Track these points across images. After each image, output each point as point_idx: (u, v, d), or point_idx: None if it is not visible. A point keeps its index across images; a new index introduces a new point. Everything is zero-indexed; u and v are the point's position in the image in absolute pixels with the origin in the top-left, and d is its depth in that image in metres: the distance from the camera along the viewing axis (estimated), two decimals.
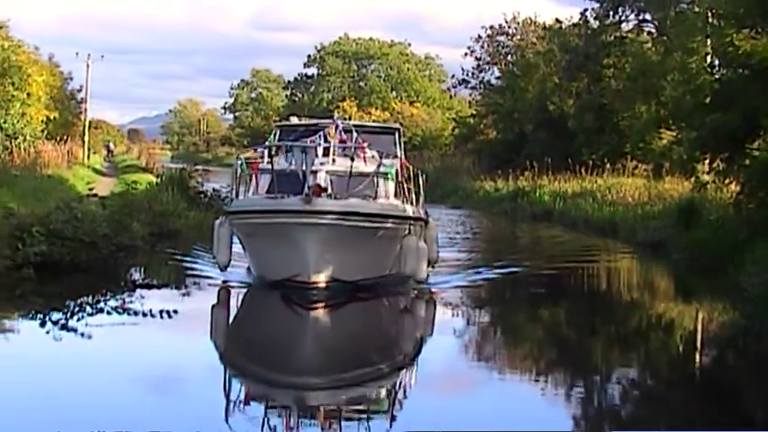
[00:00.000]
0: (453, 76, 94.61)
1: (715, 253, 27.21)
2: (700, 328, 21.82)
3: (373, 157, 23.36)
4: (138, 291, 21.53)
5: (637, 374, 16.77)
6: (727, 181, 30.68)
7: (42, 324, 17.81)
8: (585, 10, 59.65)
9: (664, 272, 31.47)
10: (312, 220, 20.32)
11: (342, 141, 23.70)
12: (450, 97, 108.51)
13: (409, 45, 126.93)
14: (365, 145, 23.64)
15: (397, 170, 23.53)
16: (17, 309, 20.33)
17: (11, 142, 44.34)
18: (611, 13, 58.61)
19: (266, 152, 23.03)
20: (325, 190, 21.16)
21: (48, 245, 22.68)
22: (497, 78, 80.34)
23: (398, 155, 25.08)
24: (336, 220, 20.57)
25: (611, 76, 58.24)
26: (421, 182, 25.38)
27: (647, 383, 16.20)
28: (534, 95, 66.05)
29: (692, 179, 33.83)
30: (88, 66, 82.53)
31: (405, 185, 23.95)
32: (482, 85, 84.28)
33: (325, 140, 23.30)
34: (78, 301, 19.96)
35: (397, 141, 25.82)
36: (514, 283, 26.83)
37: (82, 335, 16.94)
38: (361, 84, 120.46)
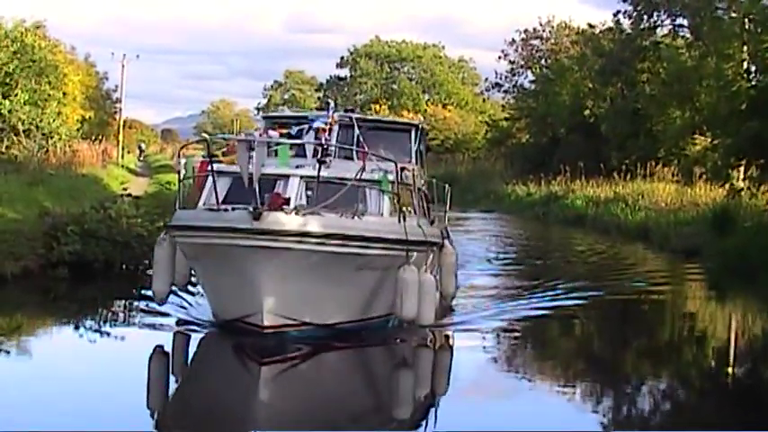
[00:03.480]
0: (487, 79, 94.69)
1: (748, 260, 26.89)
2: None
3: (371, 159, 18.06)
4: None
5: None
6: (762, 188, 30.41)
7: (76, 328, 17.84)
8: (618, 12, 59.41)
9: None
10: (262, 243, 15.37)
11: (323, 134, 18.71)
12: (484, 101, 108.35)
13: (443, 48, 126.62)
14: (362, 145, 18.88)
15: (393, 178, 17.57)
16: (51, 314, 20.37)
17: (47, 141, 44.49)
18: (646, 17, 58.33)
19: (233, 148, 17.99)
20: (287, 202, 16.23)
21: (82, 244, 22.87)
22: (531, 82, 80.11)
23: (412, 158, 20.20)
24: (297, 244, 15.61)
25: (646, 81, 57.91)
26: (437, 192, 21.67)
27: None
28: (567, 100, 65.83)
29: (727, 185, 33.57)
30: (123, 66, 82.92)
31: (411, 198, 18.81)
32: (515, 89, 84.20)
33: (316, 137, 18.64)
34: (111, 307, 20.03)
35: (413, 141, 20.67)
36: (564, 325, 21.44)
37: (114, 338, 17.11)
38: (394, 86, 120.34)
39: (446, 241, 20.44)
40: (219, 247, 15.86)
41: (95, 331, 18.15)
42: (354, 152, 18.48)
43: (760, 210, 31.19)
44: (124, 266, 23.07)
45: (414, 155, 20.43)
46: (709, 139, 39.65)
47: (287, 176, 16.99)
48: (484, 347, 18.05)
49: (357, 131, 19.58)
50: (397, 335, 17.68)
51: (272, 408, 13.65)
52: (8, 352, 16.38)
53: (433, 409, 14.12)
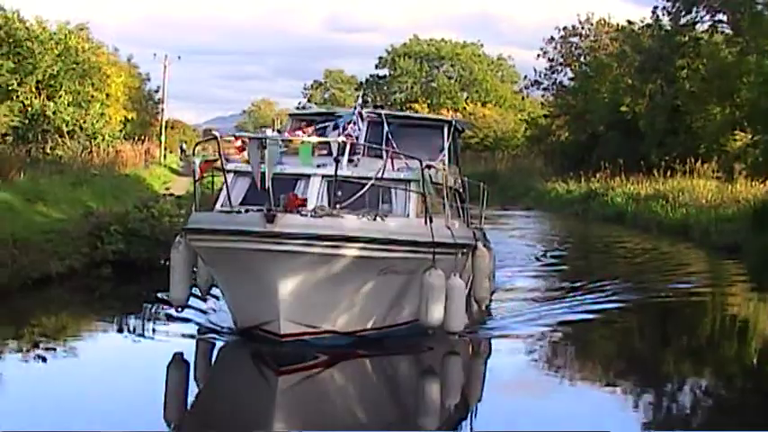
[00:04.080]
0: (526, 77, 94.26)
1: None
2: None
3: (400, 158, 17.03)
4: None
5: None
6: None
7: (120, 330, 17.84)
8: (656, 8, 59.00)
9: None
10: (276, 247, 14.34)
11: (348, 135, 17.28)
12: (523, 98, 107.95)
13: (482, 46, 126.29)
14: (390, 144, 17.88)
15: (425, 177, 16.51)
16: (96, 312, 20.50)
17: (90, 142, 44.97)
18: (685, 13, 57.85)
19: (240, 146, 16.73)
20: (304, 203, 15.32)
21: (125, 243, 23.09)
22: (570, 79, 79.75)
23: (444, 155, 18.98)
24: (313, 248, 14.55)
25: (685, 78, 57.36)
26: (471, 191, 20.57)
27: None
28: (607, 96, 65.38)
29: (767, 182, 33.33)
30: (165, 67, 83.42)
31: (441, 197, 17.59)
32: (554, 86, 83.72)
33: (344, 133, 17.33)
34: (154, 307, 19.85)
35: (446, 138, 19.52)
36: (605, 329, 20.21)
37: (156, 342, 16.96)
38: (433, 84, 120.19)
39: (479, 243, 19.23)
40: (233, 251, 14.89)
41: (136, 334, 17.98)
42: (384, 150, 17.17)
43: None
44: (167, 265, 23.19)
45: (446, 152, 19.27)
46: (750, 135, 39.36)
47: (308, 176, 16.22)
48: (518, 355, 16.80)
49: (387, 128, 18.59)
50: (425, 342, 16.35)
51: (289, 419, 12.64)
52: (54, 349, 16.47)
53: (461, 419, 13.25)
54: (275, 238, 14.25)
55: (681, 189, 46.05)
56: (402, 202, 16.61)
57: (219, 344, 16.49)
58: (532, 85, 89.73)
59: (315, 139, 16.96)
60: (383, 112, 19.48)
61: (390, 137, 18.36)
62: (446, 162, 18.82)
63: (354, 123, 17.71)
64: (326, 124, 18.18)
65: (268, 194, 14.48)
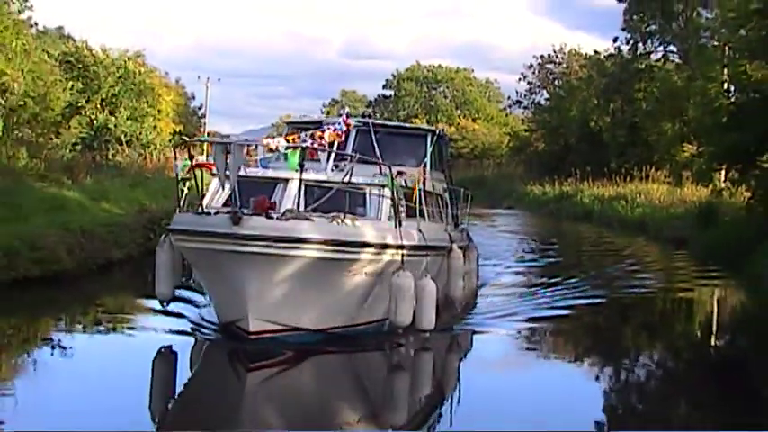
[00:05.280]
0: (509, 97, 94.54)
1: (729, 248, 26.76)
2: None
3: (381, 165, 15.45)
4: None
5: None
6: (740, 188, 30.25)
7: (166, 315, 17.11)
8: (617, 38, 59.11)
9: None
10: (240, 248, 12.93)
11: (333, 144, 15.86)
12: (506, 115, 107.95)
13: (472, 71, 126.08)
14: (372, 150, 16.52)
15: (399, 183, 15.16)
16: (147, 296, 20.48)
17: (144, 150, 45.16)
18: (641, 44, 58.12)
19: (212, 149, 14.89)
20: (273, 206, 13.88)
21: None
22: (546, 100, 79.90)
23: (427, 163, 17.36)
24: (276, 249, 13.04)
25: (642, 99, 57.39)
26: (455, 195, 19.51)
27: None
28: (577, 114, 65.45)
29: (710, 186, 33.36)
30: (207, 87, 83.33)
31: (416, 202, 15.53)
32: (533, 105, 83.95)
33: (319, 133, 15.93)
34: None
35: (429, 146, 18.04)
36: (573, 324, 18.50)
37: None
38: (431, 103, 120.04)
39: (455, 245, 17.34)
40: (205, 252, 13.51)
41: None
42: (376, 157, 15.92)
43: (737, 206, 30.99)
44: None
45: (429, 160, 17.69)
46: (696, 147, 39.31)
47: (286, 180, 14.68)
48: (488, 351, 15.42)
49: (374, 137, 17.09)
50: (397, 340, 14.59)
51: (257, 416, 11.18)
52: (112, 329, 16.50)
53: (430, 414, 11.71)
54: (241, 240, 12.90)
55: (638, 192, 46.18)
56: (375, 206, 14.96)
57: (206, 339, 14.82)
58: (515, 105, 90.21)
59: (283, 143, 15.34)
60: (370, 121, 18.12)
61: (378, 145, 16.90)
62: (428, 168, 17.21)
63: (335, 129, 16.12)
64: (311, 131, 16.39)
65: (234, 197, 13.27)
